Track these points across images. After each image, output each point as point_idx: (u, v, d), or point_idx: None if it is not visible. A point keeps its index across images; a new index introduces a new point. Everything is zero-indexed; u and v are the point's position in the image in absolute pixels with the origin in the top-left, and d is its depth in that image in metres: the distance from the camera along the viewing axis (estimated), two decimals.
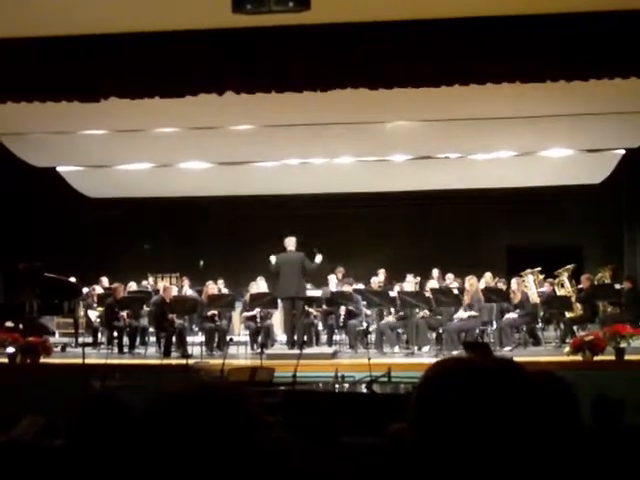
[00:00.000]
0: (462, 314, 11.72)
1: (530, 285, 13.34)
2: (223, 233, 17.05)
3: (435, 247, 15.95)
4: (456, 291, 12.13)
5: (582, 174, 14.63)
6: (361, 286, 13.69)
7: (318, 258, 12.11)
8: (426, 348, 11.69)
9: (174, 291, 13.47)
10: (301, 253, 12.01)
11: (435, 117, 11.26)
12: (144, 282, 15.66)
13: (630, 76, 7.98)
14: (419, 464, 1.29)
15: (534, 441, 1.26)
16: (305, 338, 11.95)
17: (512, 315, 12.04)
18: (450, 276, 14.18)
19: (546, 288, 13.31)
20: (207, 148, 13.24)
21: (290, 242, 12.07)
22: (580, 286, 13.26)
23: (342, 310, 12.33)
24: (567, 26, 7.70)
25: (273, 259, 12.08)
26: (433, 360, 1.47)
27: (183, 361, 9.78)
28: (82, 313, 13.85)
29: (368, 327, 12.29)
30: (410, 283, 13.18)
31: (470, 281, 12.14)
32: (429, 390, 1.32)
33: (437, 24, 7.80)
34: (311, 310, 12.64)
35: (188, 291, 14.40)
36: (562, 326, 12.50)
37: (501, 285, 13.18)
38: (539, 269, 13.82)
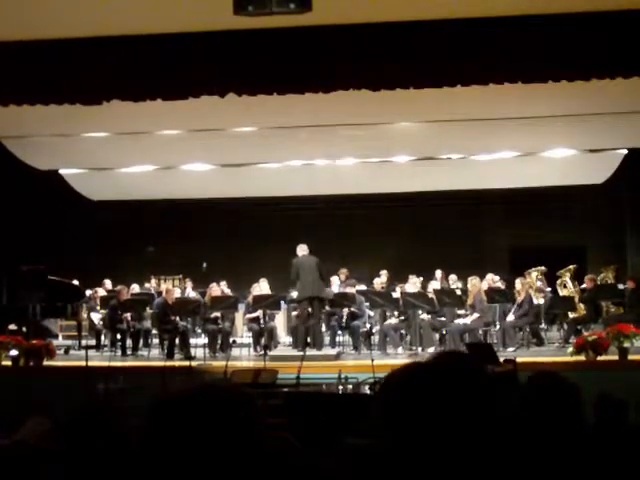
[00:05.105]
0: (465, 319, 11.73)
1: (534, 284, 13.32)
2: (226, 235, 17.04)
3: (438, 248, 15.93)
4: (459, 292, 12.09)
5: (585, 174, 14.62)
6: (364, 287, 13.68)
7: None
8: (430, 349, 11.67)
9: (177, 293, 13.47)
10: (316, 257, 12.15)
11: (437, 118, 11.25)
12: (147, 284, 15.68)
13: (632, 76, 7.97)
14: (390, 471, 1.29)
15: (535, 441, 1.26)
16: (308, 340, 11.95)
17: (514, 315, 12.05)
18: (453, 277, 14.17)
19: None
20: (210, 150, 13.25)
21: (302, 248, 12.28)
22: (583, 286, 13.24)
23: (345, 311, 12.32)
24: (569, 26, 7.69)
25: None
26: None
27: (186, 363, 9.76)
28: (85, 316, 13.85)
29: (371, 328, 12.27)
30: (413, 284, 13.14)
31: (472, 282, 12.12)
32: (388, 398, 1.32)
33: (439, 25, 7.79)
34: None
35: (191, 293, 14.41)
36: (565, 326, 12.49)
37: (501, 285, 13.15)
38: (543, 268, 13.79)
